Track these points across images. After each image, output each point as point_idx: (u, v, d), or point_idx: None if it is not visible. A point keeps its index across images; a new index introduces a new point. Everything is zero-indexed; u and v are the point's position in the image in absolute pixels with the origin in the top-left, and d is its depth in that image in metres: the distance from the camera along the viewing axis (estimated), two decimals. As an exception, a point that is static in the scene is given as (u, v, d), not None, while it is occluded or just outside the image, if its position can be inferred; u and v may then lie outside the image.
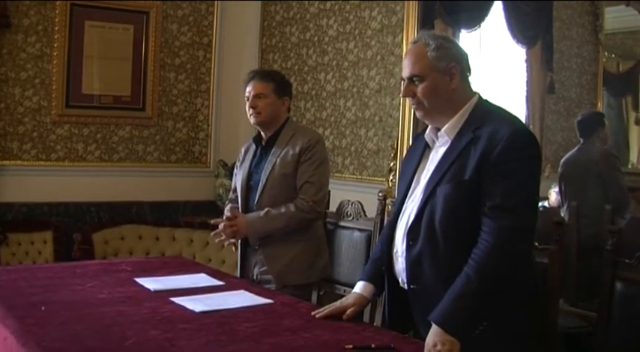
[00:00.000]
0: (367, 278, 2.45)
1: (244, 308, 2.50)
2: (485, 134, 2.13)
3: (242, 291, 2.75)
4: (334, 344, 2.11)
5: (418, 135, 2.49)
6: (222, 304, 2.52)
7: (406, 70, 2.25)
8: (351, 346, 2.06)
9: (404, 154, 4.34)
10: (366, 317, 2.96)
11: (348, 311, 2.37)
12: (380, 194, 3.59)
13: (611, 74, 7.06)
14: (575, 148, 5.47)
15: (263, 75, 3.23)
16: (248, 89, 3.18)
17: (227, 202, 3.44)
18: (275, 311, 2.50)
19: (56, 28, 5.24)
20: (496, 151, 2.08)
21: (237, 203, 3.31)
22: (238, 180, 3.31)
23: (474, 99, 2.25)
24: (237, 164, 3.39)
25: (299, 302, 2.64)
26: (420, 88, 2.22)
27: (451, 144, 2.21)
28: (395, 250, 2.31)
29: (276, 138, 3.19)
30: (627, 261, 2.41)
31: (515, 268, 2.09)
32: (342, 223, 3.56)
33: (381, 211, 3.41)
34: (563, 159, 5.27)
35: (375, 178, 4.80)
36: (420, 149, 2.36)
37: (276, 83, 3.18)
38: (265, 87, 3.15)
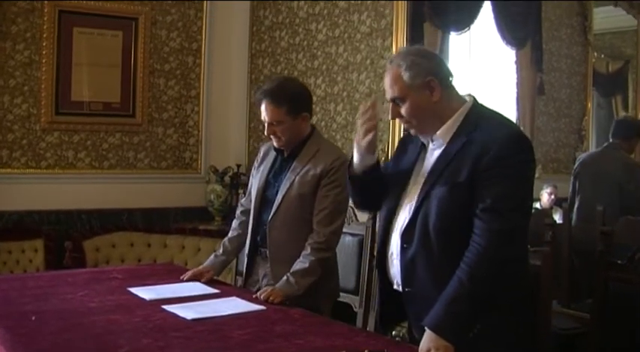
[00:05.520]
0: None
1: (236, 315, 2.49)
2: (479, 137, 2.13)
3: (234, 298, 2.74)
4: (327, 349, 2.10)
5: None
6: (214, 311, 2.51)
7: (387, 93, 2.27)
8: (344, 351, 2.05)
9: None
10: (359, 323, 2.96)
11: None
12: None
13: (601, 74, 7.09)
14: (598, 149, 5.45)
15: (274, 97, 2.89)
16: (262, 113, 2.93)
17: (238, 209, 3.24)
18: (267, 317, 2.49)
19: (44, 35, 5.21)
20: (490, 155, 2.08)
21: (249, 215, 3.12)
22: (254, 186, 3.13)
23: (469, 104, 2.25)
24: (255, 164, 3.20)
25: (291, 309, 2.63)
26: (403, 109, 2.23)
27: (445, 147, 2.21)
28: (390, 252, 2.31)
29: (298, 152, 2.99)
30: (619, 261, 2.42)
31: (508, 271, 2.08)
32: (334, 227, 3.55)
33: (373, 215, 3.40)
34: (581, 157, 5.26)
35: (367, 182, 4.78)
36: (417, 149, 2.35)
37: (288, 104, 2.89)
38: (278, 113, 2.88)
